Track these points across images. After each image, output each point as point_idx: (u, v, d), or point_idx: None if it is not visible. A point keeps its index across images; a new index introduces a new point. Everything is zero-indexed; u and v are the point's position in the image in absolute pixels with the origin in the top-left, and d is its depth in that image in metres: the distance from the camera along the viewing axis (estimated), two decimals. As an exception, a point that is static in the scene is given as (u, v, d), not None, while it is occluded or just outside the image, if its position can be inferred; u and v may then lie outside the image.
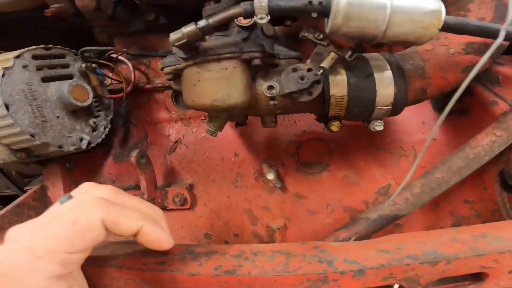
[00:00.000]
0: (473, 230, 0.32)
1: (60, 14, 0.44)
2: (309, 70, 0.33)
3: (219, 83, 0.34)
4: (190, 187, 0.54)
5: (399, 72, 0.34)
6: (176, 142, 0.57)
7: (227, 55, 0.33)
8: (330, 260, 0.30)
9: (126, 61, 0.54)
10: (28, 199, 0.50)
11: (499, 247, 0.29)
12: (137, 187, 0.55)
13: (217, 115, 0.39)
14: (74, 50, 0.47)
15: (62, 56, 0.46)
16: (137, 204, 0.30)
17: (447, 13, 0.38)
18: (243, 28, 0.35)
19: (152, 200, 0.51)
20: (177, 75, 0.38)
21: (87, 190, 0.30)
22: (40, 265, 0.24)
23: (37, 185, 0.54)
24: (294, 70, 0.33)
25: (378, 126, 0.37)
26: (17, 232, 0.27)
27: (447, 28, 0.29)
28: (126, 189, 0.56)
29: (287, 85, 0.32)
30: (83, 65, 0.47)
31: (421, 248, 0.30)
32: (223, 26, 0.35)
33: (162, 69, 0.39)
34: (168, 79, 0.38)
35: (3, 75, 0.37)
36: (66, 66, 0.46)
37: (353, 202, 0.49)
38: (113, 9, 0.47)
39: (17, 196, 0.53)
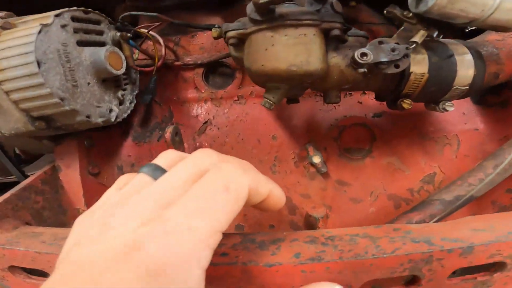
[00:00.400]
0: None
1: None
2: (397, 43, 0.31)
3: (297, 48, 0.31)
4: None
5: (479, 56, 0.34)
6: (205, 122, 0.52)
7: (307, 22, 0.31)
8: (426, 239, 0.28)
9: (157, 36, 0.50)
10: (37, 181, 0.43)
11: None
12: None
13: (279, 86, 0.36)
14: (109, 18, 0.42)
15: (98, 22, 0.41)
16: (245, 164, 0.24)
17: None
18: (317, 0, 0.33)
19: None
20: (240, 40, 0.34)
21: (180, 158, 0.24)
22: (204, 253, 0.18)
23: (43, 168, 0.47)
24: (381, 42, 0.31)
25: (449, 106, 0.36)
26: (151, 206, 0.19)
27: None
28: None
29: (379, 54, 0.30)
30: (118, 33, 0.42)
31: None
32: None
33: (221, 36, 0.35)
34: (230, 44, 0.35)
35: (40, 31, 0.33)
36: (101, 33, 0.42)
37: (398, 190, 0.48)
38: None
39: (14, 184, 0.46)
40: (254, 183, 0.22)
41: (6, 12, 0.40)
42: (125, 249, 0.17)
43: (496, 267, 0.29)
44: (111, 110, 0.41)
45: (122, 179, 0.25)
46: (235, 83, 0.52)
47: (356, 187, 0.49)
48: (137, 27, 0.51)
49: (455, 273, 0.28)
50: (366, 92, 0.50)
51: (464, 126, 0.49)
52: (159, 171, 0.22)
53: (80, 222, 0.21)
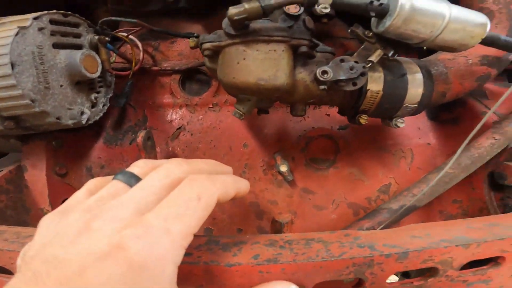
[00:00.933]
0: (482, 220, 0.36)
1: None
2: (356, 62, 0.34)
3: (267, 63, 0.34)
4: (194, 177, 0.51)
5: (428, 75, 0.38)
6: (179, 128, 0.53)
7: (277, 38, 0.34)
8: (370, 245, 0.31)
9: (136, 40, 0.51)
10: (1, 180, 0.42)
11: (513, 232, 0.33)
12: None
13: (249, 98, 0.38)
14: (88, 21, 0.43)
15: (77, 25, 0.42)
16: (212, 166, 0.28)
17: None
18: (290, 16, 0.35)
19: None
20: (215, 52, 0.36)
21: (152, 167, 0.26)
22: (178, 252, 0.21)
23: (8, 167, 0.46)
24: (342, 60, 0.34)
25: (400, 123, 0.40)
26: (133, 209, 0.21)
27: (482, 40, 0.33)
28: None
29: (338, 72, 0.33)
30: (96, 37, 0.43)
31: (448, 234, 0.33)
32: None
33: (197, 46, 0.37)
34: (205, 55, 0.37)
35: (16, 34, 0.33)
36: (78, 36, 0.42)
37: (357, 199, 0.51)
38: None
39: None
40: (222, 191, 0.25)
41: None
42: (109, 249, 0.19)
43: (431, 272, 0.32)
44: (82, 113, 0.42)
45: (92, 182, 0.26)
46: (210, 90, 0.54)
47: (320, 195, 0.52)
48: (116, 30, 0.52)
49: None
50: (332, 105, 0.54)
51: (418, 140, 0.54)
52: (134, 179, 0.24)
53: (49, 223, 0.22)
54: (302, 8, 0.34)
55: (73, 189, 0.49)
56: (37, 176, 0.45)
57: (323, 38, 0.55)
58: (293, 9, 0.35)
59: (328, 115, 0.54)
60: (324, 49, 0.39)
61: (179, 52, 0.56)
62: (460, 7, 0.32)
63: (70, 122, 0.40)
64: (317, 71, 0.33)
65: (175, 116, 0.54)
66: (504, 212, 0.46)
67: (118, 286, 0.18)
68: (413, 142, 0.53)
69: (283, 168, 0.48)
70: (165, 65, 0.54)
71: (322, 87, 0.34)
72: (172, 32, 0.52)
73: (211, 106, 0.54)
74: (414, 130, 0.54)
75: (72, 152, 0.50)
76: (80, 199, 0.24)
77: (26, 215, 0.44)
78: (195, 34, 0.51)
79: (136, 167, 0.26)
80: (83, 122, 0.42)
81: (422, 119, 0.55)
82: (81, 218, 0.21)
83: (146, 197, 0.22)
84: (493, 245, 0.31)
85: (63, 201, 0.45)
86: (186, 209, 0.22)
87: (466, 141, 0.31)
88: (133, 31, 0.50)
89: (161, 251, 0.20)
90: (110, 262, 0.18)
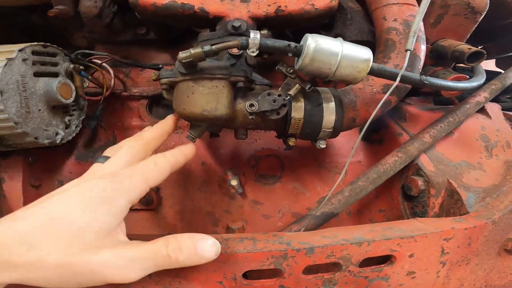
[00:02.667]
0: (383, 225, 0.45)
1: (62, 16, 0.47)
2: (279, 95, 0.43)
3: (209, 97, 0.42)
4: (157, 189, 0.58)
5: (339, 104, 0.47)
6: (145, 147, 0.60)
7: (219, 76, 0.42)
8: (288, 242, 0.39)
9: (108, 67, 0.58)
10: (-19, 190, 0.48)
11: (400, 234, 0.42)
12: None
13: (200, 124, 0.46)
14: (65, 51, 0.50)
15: (54, 55, 0.48)
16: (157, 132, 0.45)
17: (376, 59, 0.53)
18: (233, 56, 0.45)
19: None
20: (171, 86, 0.45)
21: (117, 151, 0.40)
22: (132, 191, 0.33)
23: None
24: (269, 94, 0.43)
25: (322, 144, 0.49)
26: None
27: (371, 72, 0.42)
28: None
29: (263, 104, 0.42)
30: (71, 65, 0.50)
31: (350, 235, 0.41)
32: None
33: (158, 79, 0.45)
34: (163, 89, 0.45)
35: (5, 65, 0.40)
36: (55, 64, 0.49)
37: (300, 209, 0.60)
38: (111, 18, 0.52)
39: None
40: (172, 160, 0.40)
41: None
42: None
43: (337, 267, 0.40)
44: (57, 133, 0.48)
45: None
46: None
47: (268, 206, 0.60)
48: (90, 57, 0.58)
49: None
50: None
51: (351, 158, 0.63)
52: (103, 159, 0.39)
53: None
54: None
55: (45, 200, 0.55)
56: (14, 187, 0.51)
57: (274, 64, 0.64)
58: (235, 50, 0.44)
59: (276, 137, 0.63)
60: (262, 82, 0.49)
61: (147, 79, 0.64)
62: (351, 44, 0.40)
63: (46, 141, 0.47)
64: (246, 104, 0.42)
65: (142, 136, 0.61)
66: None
67: (73, 209, 0.30)
68: (346, 160, 0.63)
69: (234, 182, 0.56)
70: (134, 90, 0.62)
71: (250, 117, 0.43)
72: (139, 64, 0.60)
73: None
74: (348, 150, 0.64)
75: (46, 166, 0.56)
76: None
77: (0, 223, 0.50)
78: (160, 66, 0.60)
79: (108, 153, 0.41)
80: (58, 141, 0.48)
81: (355, 140, 0.65)
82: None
83: (117, 163, 0.37)
84: (381, 244, 0.40)
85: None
86: (144, 169, 0.35)
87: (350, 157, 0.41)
88: (105, 60, 0.57)
89: (121, 187, 0.32)
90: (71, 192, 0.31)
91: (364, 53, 0.40)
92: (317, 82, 0.52)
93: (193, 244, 0.32)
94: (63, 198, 0.30)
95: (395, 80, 0.42)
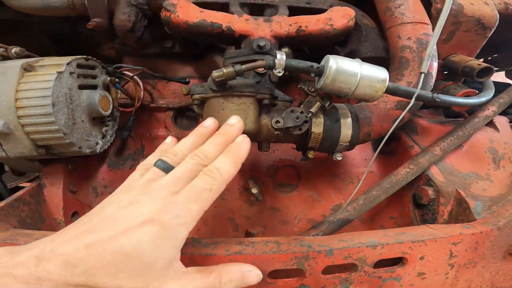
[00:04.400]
0: (396, 230, 0.48)
1: (97, 28, 0.52)
2: (301, 112, 0.47)
3: (238, 113, 0.46)
4: (183, 196, 0.62)
5: (356, 120, 0.51)
6: (171, 156, 0.65)
7: (247, 93, 0.46)
8: (309, 244, 0.42)
9: (138, 80, 0.63)
10: (26, 194, 0.53)
11: (411, 238, 0.45)
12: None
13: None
14: (102, 63, 0.55)
15: (93, 68, 0.53)
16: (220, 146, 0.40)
17: (390, 76, 0.56)
18: (258, 74, 0.49)
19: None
20: (202, 102, 0.49)
21: (181, 158, 0.37)
22: (190, 222, 0.32)
23: (31, 184, 0.56)
24: (292, 111, 0.47)
25: (338, 156, 0.52)
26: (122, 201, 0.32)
27: (387, 91, 0.45)
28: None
29: (288, 121, 0.46)
30: (108, 78, 0.55)
31: (366, 238, 0.44)
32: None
33: (190, 94, 0.49)
34: (195, 104, 0.49)
35: (56, 78, 0.44)
36: (95, 77, 0.53)
37: (315, 215, 0.64)
38: (142, 32, 0.56)
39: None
40: (227, 179, 0.37)
41: (20, 48, 0.50)
42: (145, 219, 0.31)
43: (354, 268, 0.43)
44: (97, 143, 0.53)
45: (142, 165, 0.38)
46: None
47: (285, 212, 0.64)
48: (121, 69, 0.62)
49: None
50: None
51: (364, 169, 0.67)
52: (168, 167, 0.36)
53: (119, 192, 0.34)
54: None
55: (81, 204, 0.59)
56: (54, 193, 0.56)
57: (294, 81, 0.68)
58: (260, 69, 0.49)
59: (294, 148, 0.67)
60: (284, 98, 0.53)
61: (173, 91, 0.69)
62: (368, 65, 0.42)
63: (88, 151, 0.51)
64: (272, 121, 0.46)
65: (168, 145, 0.66)
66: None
67: (145, 246, 0.30)
68: (359, 171, 0.67)
69: (254, 191, 0.60)
70: (161, 102, 0.66)
71: (276, 132, 0.47)
72: (168, 77, 0.65)
73: (198, 138, 0.66)
74: (361, 161, 0.68)
75: (82, 173, 0.61)
76: (135, 179, 0.35)
77: (41, 224, 0.54)
78: (187, 79, 0.65)
79: (168, 158, 0.37)
80: (97, 151, 0.53)
81: (368, 151, 0.69)
82: (135, 194, 0.33)
83: (176, 183, 0.34)
84: (394, 247, 0.43)
85: (73, 214, 0.56)
86: (201, 195, 0.33)
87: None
88: (137, 72, 0.61)
89: (181, 220, 0.32)
90: (143, 230, 0.30)
91: (381, 73, 0.44)
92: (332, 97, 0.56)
93: (241, 275, 0.36)
94: (138, 235, 0.30)
95: (409, 98, 0.46)
